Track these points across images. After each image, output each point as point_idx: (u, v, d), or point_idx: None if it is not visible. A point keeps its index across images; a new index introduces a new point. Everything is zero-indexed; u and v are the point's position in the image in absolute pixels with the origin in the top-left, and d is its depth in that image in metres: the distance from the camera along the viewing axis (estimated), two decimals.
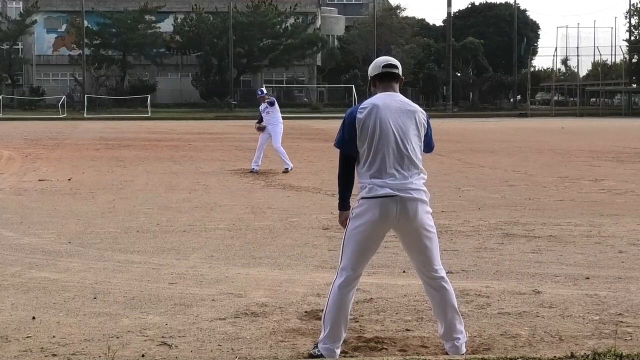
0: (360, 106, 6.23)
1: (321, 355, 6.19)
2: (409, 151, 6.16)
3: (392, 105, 6.21)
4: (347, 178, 6.30)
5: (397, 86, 6.35)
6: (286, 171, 21.49)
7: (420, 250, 6.23)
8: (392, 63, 6.34)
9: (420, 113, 6.32)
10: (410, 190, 6.11)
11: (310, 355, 6.25)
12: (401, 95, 6.35)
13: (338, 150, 6.32)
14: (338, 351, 6.24)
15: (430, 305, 6.43)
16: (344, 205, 6.40)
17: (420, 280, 6.46)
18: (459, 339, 6.28)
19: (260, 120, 22.52)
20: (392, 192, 6.06)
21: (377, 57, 6.88)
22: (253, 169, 21.71)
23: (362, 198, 6.15)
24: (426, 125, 6.34)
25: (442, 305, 6.28)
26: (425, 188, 6.22)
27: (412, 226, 6.14)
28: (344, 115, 6.38)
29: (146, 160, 25.59)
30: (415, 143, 6.22)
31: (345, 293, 6.18)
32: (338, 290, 6.18)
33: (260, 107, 22.97)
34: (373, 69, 6.37)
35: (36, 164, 24.35)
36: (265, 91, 23.30)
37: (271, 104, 22.50)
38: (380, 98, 6.25)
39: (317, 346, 6.28)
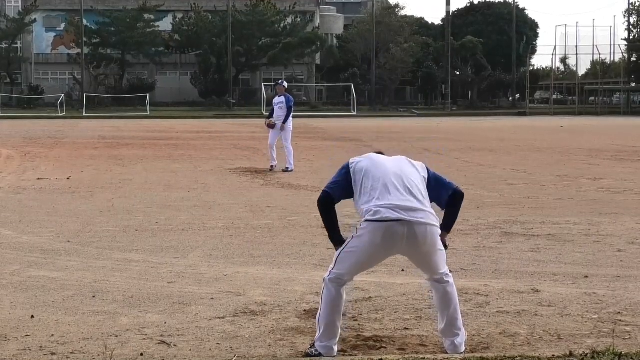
0: (353, 159, 6.34)
1: (319, 354, 6.17)
2: (412, 187, 6.13)
3: (387, 159, 6.34)
4: (333, 220, 6.24)
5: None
6: (286, 170, 21.41)
7: (427, 263, 6.24)
8: None
9: (417, 163, 6.40)
10: (418, 212, 6.04)
11: (307, 355, 6.22)
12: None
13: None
14: (336, 348, 6.23)
15: (434, 299, 6.42)
16: (340, 240, 6.27)
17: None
18: (459, 335, 6.28)
19: (271, 115, 22.38)
20: (398, 215, 5.97)
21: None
22: (272, 165, 21.69)
23: (367, 220, 6.02)
24: (426, 169, 6.38)
25: (446, 299, 6.27)
26: (433, 212, 6.16)
27: (422, 250, 6.11)
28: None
29: (145, 159, 25.58)
30: (419, 183, 6.20)
31: (337, 290, 6.16)
32: (331, 289, 6.14)
33: (275, 100, 22.49)
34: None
35: (35, 162, 24.33)
36: (287, 85, 23.13)
37: (289, 102, 22.22)
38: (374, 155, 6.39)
39: (313, 346, 6.27)
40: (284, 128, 22.03)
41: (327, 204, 6.21)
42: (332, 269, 6.17)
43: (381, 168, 6.19)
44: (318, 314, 6.24)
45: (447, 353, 6.27)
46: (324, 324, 6.17)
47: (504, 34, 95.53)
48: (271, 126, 22.11)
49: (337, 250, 6.22)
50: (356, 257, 6.08)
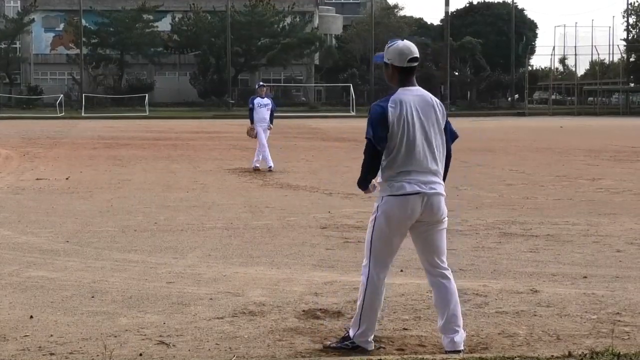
0: (389, 103, 6.21)
1: (357, 347, 6.33)
2: (434, 147, 6.28)
3: (416, 100, 6.28)
4: (374, 170, 6.33)
5: (415, 77, 6.38)
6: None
7: (432, 242, 6.36)
8: (417, 56, 6.31)
9: (439, 103, 6.40)
10: (434, 185, 6.26)
11: (341, 348, 6.36)
12: (419, 87, 6.40)
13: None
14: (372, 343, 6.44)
15: (434, 296, 6.46)
16: (367, 186, 6.42)
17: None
18: (458, 332, 6.30)
19: (252, 117, 22.36)
20: (418, 189, 6.20)
21: (374, 55, 6.85)
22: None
23: (389, 195, 6.22)
24: (445, 115, 6.43)
25: (446, 296, 6.34)
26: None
27: (434, 219, 6.30)
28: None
29: (144, 159, 25.58)
30: (439, 138, 6.33)
31: (380, 285, 6.35)
32: (375, 285, 6.32)
33: (259, 101, 22.41)
34: (398, 59, 6.27)
35: (34, 162, 24.33)
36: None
37: (275, 105, 22.60)
38: (405, 94, 6.28)
39: (345, 340, 6.40)
40: (270, 128, 22.48)
41: (378, 156, 6.27)
42: (371, 263, 6.34)
43: (413, 127, 6.23)
44: (360, 311, 6.34)
45: (445, 353, 6.27)
46: (369, 320, 6.33)
47: (502, 35, 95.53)
48: (253, 135, 22.16)
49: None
50: (390, 234, 6.29)
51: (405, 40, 6.42)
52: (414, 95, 6.28)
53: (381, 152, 6.21)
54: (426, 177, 6.23)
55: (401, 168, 6.21)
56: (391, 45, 6.37)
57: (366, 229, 6.43)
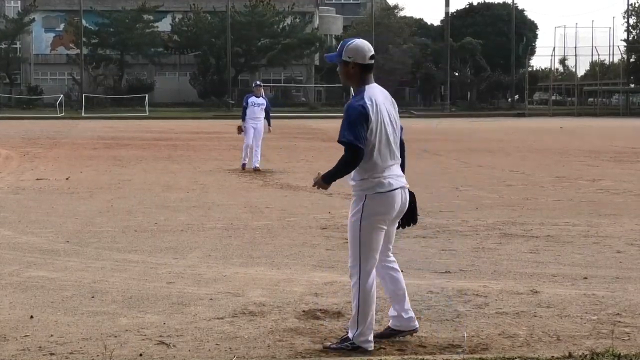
0: (366, 101, 6.27)
1: (357, 348, 6.34)
2: (397, 140, 6.52)
3: (382, 97, 6.44)
4: (351, 170, 6.35)
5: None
6: (257, 170, 21.85)
7: (391, 235, 6.60)
8: (374, 53, 6.47)
9: (392, 99, 6.64)
10: (403, 179, 6.50)
11: (341, 349, 6.36)
12: (377, 85, 6.55)
13: (341, 148, 6.32)
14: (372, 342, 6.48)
15: (385, 288, 6.68)
16: (330, 182, 6.45)
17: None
18: (410, 315, 6.63)
19: (244, 116, 22.53)
20: (399, 184, 6.41)
21: (325, 55, 6.93)
22: (244, 164, 22.18)
23: (376, 193, 6.30)
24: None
25: (399, 285, 6.62)
26: None
27: (402, 213, 6.55)
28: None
29: (144, 160, 25.58)
30: (398, 133, 6.56)
31: (372, 283, 6.41)
32: (368, 285, 6.37)
33: (254, 100, 22.65)
34: (360, 56, 6.37)
35: (34, 162, 24.33)
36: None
37: (269, 104, 22.91)
38: (374, 91, 6.41)
39: (345, 341, 6.40)
40: (270, 131, 22.81)
41: (360, 157, 6.30)
42: (361, 263, 6.37)
43: (386, 124, 6.38)
44: (357, 311, 6.36)
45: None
46: (368, 319, 6.37)
47: (503, 35, 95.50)
48: (242, 131, 22.42)
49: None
50: (379, 230, 6.39)
51: (360, 39, 6.55)
52: (379, 92, 6.44)
53: (362, 151, 6.24)
54: (397, 171, 6.45)
55: (383, 164, 6.33)
56: (350, 44, 6.46)
57: None
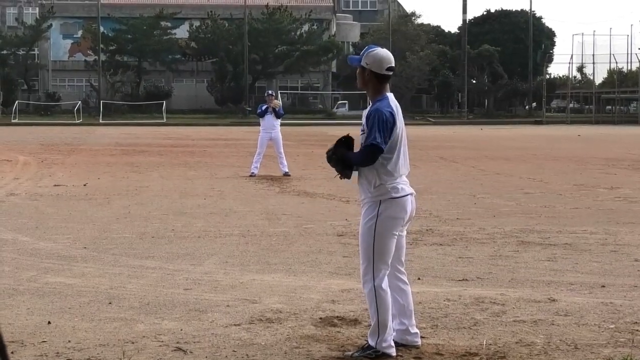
0: (392, 109, 6.38)
1: (380, 355, 6.36)
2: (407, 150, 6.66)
3: (398, 107, 6.52)
4: (363, 167, 6.42)
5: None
6: (288, 174, 22.23)
7: (402, 243, 6.64)
8: (394, 65, 6.53)
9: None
10: (410, 186, 6.61)
11: (369, 356, 6.36)
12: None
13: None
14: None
15: (394, 302, 6.60)
16: (345, 161, 6.43)
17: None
18: (416, 331, 6.71)
19: (263, 114, 22.98)
20: (410, 190, 6.54)
21: (349, 56, 6.94)
22: (253, 173, 22.40)
23: (391, 198, 6.39)
24: None
25: (408, 299, 6.68)
26: None
27: (411, 219, 6.66)
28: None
29: (161, 166, 25.65)
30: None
31: (386, 287, 6.45)
32: (383, 291, 6.40)
33: (265, 108, 23.12)
34: (377, 65, 6.42)
35: (52, 169, 24.43)
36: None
37: (281, 109, 23.27)
38: (393, 100, 6.50)
39: (367, 349, 6.40)
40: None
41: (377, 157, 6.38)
42: (374, 268, 6.41)
43: (403, 132, 6.52)
44: (377, 317, 6.38)
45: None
46: (387, 324, 6.41)
47: (520, 43, 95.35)
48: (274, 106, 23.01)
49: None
50: (393, 236, 6.45)
51: (384, 48, 6.57)
52: (395, 102, 6.51)
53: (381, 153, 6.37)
54: (406, 179, 6.58)
55: (400, 171, 6.45)
56: (371, 51, 6.51)
57: None
